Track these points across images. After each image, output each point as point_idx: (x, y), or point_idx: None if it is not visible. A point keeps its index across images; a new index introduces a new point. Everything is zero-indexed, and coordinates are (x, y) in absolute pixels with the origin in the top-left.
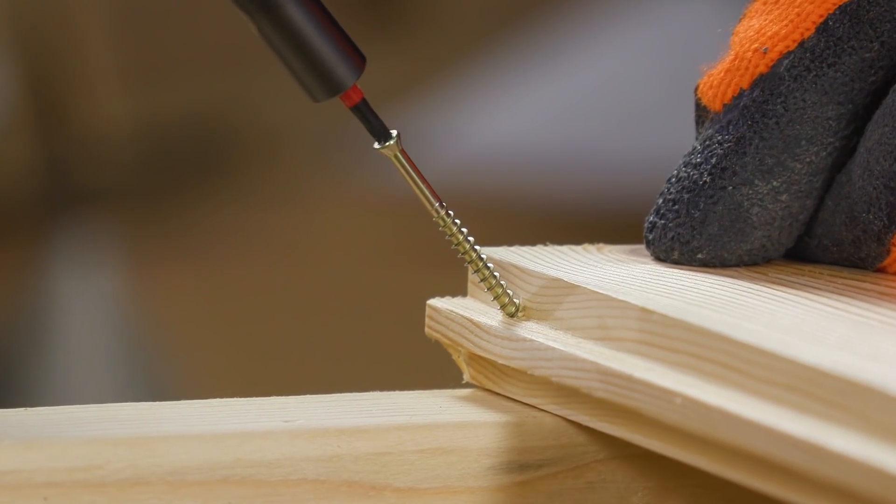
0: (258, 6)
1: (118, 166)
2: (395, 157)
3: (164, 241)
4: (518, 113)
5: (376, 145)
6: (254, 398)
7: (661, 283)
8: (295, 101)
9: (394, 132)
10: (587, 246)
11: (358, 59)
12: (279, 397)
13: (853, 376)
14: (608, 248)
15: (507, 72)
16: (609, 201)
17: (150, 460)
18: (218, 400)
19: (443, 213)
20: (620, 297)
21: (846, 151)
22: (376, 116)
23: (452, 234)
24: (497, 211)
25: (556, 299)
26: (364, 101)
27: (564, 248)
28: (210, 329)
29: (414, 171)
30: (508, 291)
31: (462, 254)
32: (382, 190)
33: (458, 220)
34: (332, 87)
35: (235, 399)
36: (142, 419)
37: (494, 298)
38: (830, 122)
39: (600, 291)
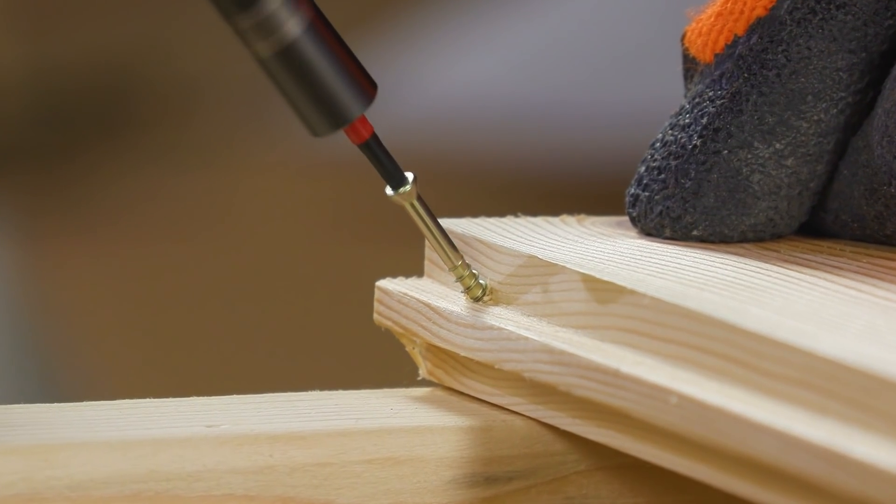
0: (252, 22)
1: (4, 123)
2: (412, 205)
3: (62, 213)
4: (482, 59)
5: (389, 191)
6: (170, 399)
7: (654, 261)
8: (217, 45)
9: (409, 175)
10: (565, 217)
11: (367, 85)
12: (200, 398)
13: (880, 371)
14: (590, 220)
15: (468, 10)
16: (590, 164)
17: (47, 472)
18: (128, 401)
19: (467, 272)
20: (605, 278)
21: (861, 108)
22: (390, 157)
23: (470, 289)
24: (458, 175)
25: (529, 280)
26: (375, 137)
27: (538, 219)
28: (118, 317)
29: (432, 221)
30: (473, 271)
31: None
32: (322, 152)
33: (482, 280)
34: (334, 117)
35: (148, 400)
36: (37, 424)
37: (457, 280)
38: (841, 73)
39: (581, 271)
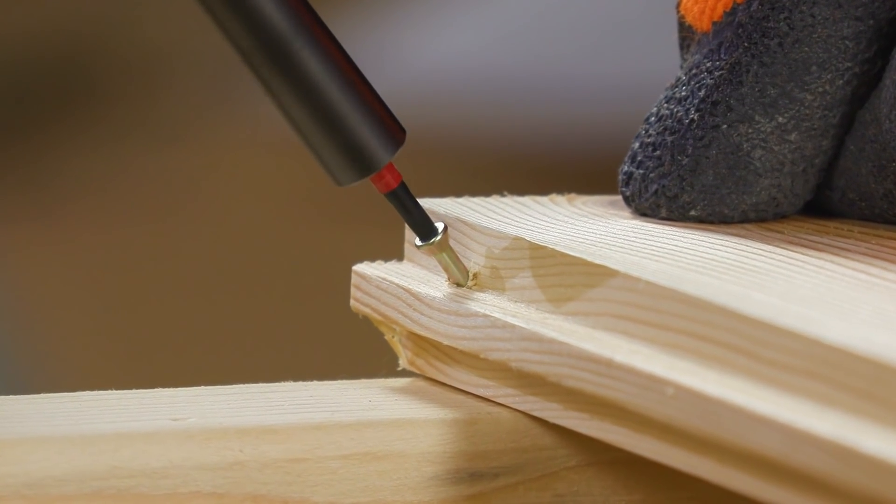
0: (266, 55)
1: None
2: (444, 257)
3: (17, 195)
4: (466, 29)
5: (418, 242)
6: (134, 391)
7: (649, 243)
8: (185, 12)
9: (440, 225)
10: (555, 196)
11: (396, 130)
12: (166, 389)
13: (890, 360)
14: (581, 200)
15: None
16: (581, 140)
17: (2, 469)
18: (88, 393)
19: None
20: (597, 261)
21: (868, 79)
22: (418, 206)
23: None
24: (440, 152)
25: (516, 264)
26: (403, 185)
27: (526, 199)
28: (78, 304)
29: (456, 261)
30: (456, 255)
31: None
32: None
33: (466, 264)
34: (361, 165)
35: (110, 392)
36: None
37: (440, 264)
38: (847, 42)
39: (572, 254)
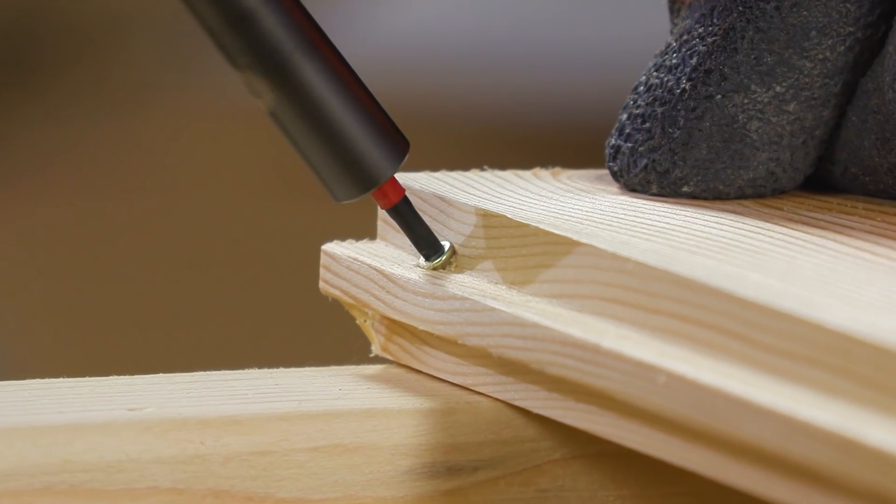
0: (265, 69)
1: None
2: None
3: None
4: None
5: (422, 262)
6: (87, 378)
7: (639, 220)
8: None
9: (445, 244)
10: (538, 171)
11: (399, 140)
12: (121, 377)
13: None
14: (566, 174)
15: None
16: (566, 110)
17: None
18: (38, 381)
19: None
20: (584, 240)
21: (871, 45)
22: (422, 223)
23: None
24: (415, 123)
25: (496, 244)
26: (406, 200)
27: (508, 173)
28: (27, 285)
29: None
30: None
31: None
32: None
33: (444, 243)
34: (361, 179)
35: (62, 380)
36: None
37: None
38: (848, 5)
39: (557, 232)
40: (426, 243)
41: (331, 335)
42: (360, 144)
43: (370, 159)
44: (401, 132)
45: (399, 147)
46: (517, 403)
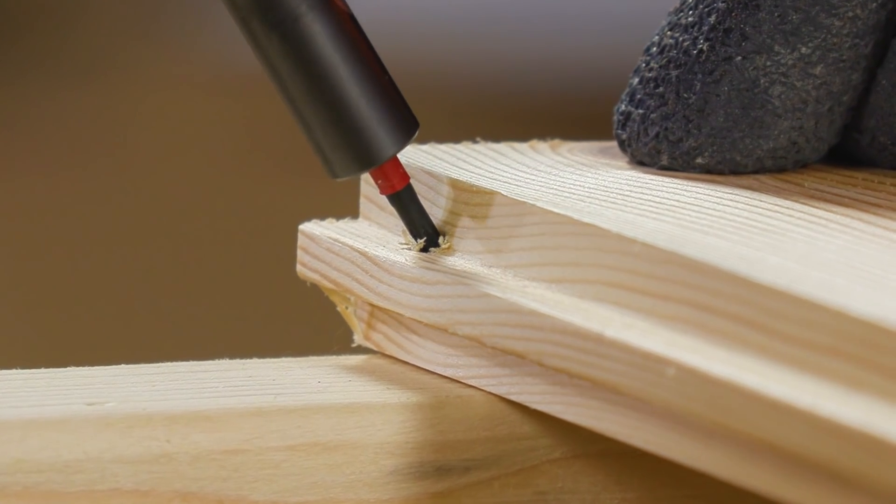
0: (270, 22)
1: None
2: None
3: None
4: None
5: (409, 241)
6: (43, 370)
7: (646, 197)
8: None
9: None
10: (536, 143)
11: (409, 118)
12: (80, 369)
13: None
14: (567, 147)
15: None
16: (568, 76)
17: None
18: None
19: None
20: (586, 220)
21: None
22: (424, 213)
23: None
24: (403, 90)
25: (490, 223)
26: (410, 188)
27: (503, 146)
28: None
29: None
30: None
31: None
32: (235, 65)
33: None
34: (361, 154)
35: (16, 371)
36: None
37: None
38: None
39: (556, 211)
40: (423, 233)
41: (309, 323)
42: (365, 115)
43: (374, 133)
44: (411, 111)
45: (407, 125)
46: (513, 398)
